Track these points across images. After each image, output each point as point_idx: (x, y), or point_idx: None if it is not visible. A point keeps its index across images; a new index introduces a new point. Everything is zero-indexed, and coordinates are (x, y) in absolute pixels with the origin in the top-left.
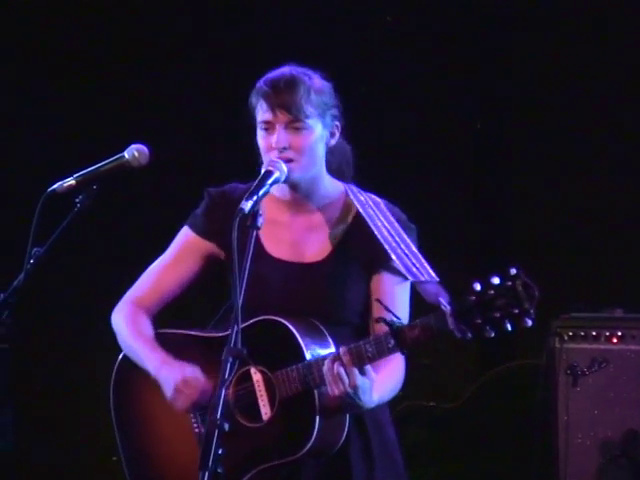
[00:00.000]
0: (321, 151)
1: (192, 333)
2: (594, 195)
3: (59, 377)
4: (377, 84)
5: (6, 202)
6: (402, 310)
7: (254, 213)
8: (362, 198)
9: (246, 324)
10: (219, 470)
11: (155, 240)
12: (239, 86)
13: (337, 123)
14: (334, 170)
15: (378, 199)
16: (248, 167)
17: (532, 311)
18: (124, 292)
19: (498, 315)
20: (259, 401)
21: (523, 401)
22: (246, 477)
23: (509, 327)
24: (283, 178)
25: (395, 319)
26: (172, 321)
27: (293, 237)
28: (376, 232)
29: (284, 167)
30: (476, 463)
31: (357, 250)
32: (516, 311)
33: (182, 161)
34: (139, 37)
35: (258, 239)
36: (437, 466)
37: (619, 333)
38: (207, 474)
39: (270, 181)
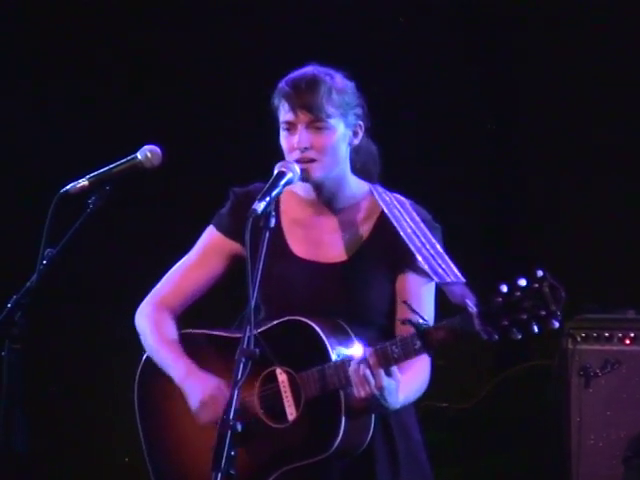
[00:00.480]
0: (344, 151)
1: (215, 333)
2: (607, 195)
3: (73, 378)
4: (389, 85)
5: (19, 203)
6: (427, 310)
7: (267, 214)
8: (387, 198)
9: (271, 324)
10: (232, 471)
11: (171, 241)
12: (252, 86)
13: (360, 123)
14: (359, 170)
15: (403, 199)
16: (263, 167)
17: (559, 313)
18: (140, 292)
19: (525, 317)
20: (284, 402)
21: (536, 402)
22: (271, 478)
23: (536, 329)
24: (296, 179)
25: (421, 320)
26: (196, 320)
27: (318, 237)
28: (401, 232)
29: (297, 168)
30: (489, 463)
31: (382, 250)
32: (543, 313)
33: (196, 162)
34: (152, 37)
35: (283, 239)
36: (450, 467)
37: (632, 334)
38: (220, 475)
39: (283, 182)
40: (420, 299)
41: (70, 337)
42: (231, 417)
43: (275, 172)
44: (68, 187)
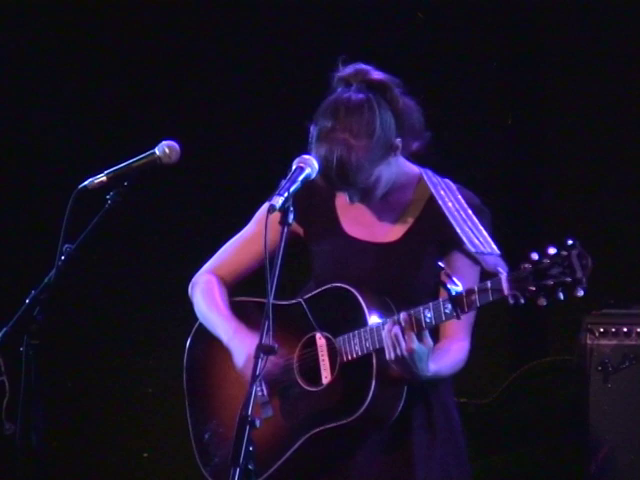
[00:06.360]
0: (385, 168)
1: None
2: (627, 191)
3: (90, 374)
4: (407, 79)
5: (37, 198)
6: None
7: (285, 210)
8: (435, 180)
9: (317, 291)
10: (250, 466)
11: (182, 240)
12: (269, 82)
13: (395, 141)
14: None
15: (452, 183)
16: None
17: (584, 280)
18: (156, 287)
19: (551, 283)
20: (320, 365)
21: (554, 398)
22: (302, 439)
23: (561, 296)
24: (314, 174)
25: (454, 285)
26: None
27: (370, 218)
28: (446, 211)
29: (315, 163)
30: (507, 459)
31: (430, 231)
32: (569, 279)
33: (213, 158)
34: (168, 36)
35: (337, 218)
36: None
37: None
38: (238, 470)
39: (301, 178)
40: (465, 281)
41: (88, 333)
42: (249, 413)
43: (293, 167)
44: (86, 183)
